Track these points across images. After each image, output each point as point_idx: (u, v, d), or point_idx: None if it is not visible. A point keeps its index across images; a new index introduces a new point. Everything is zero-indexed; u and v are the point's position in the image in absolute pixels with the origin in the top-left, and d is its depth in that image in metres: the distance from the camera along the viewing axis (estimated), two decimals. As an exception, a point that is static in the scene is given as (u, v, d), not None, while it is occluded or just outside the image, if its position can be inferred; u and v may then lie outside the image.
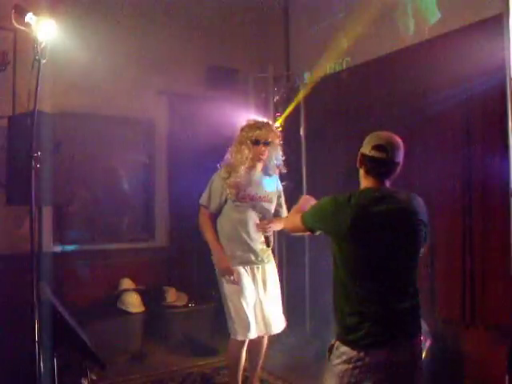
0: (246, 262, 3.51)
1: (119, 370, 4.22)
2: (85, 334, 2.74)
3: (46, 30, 2.89)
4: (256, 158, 3.53)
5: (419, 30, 4.33)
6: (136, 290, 4.94)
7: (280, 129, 5.33)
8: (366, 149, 2.25)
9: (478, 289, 3.75)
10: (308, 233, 2.46)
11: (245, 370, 3.64)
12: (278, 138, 3.61)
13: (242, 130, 3.59)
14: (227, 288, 3.47)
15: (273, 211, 3.66)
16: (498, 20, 3.24)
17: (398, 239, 2.19)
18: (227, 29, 5.70)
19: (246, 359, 3.60)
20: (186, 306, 5.06)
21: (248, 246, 3.51)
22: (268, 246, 3.61)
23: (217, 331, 4.69)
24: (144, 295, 4.95)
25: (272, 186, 3.65)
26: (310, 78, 5.30)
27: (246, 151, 3.49)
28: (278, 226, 3.61)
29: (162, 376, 4.22)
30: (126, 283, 4.99)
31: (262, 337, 3.61)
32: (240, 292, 3.44)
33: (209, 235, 3.54)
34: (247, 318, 3.42)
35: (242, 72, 5.69)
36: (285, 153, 3.72)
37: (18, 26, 2.90)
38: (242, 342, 3.47)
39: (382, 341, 2.14)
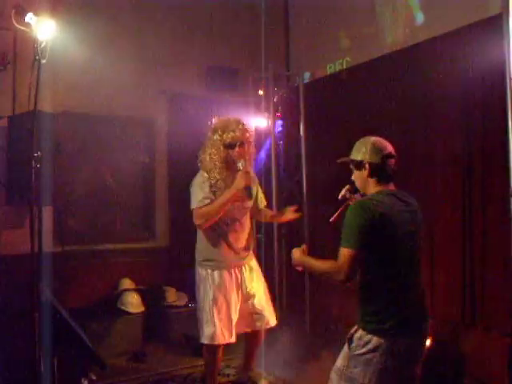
0: (232, 266, 3.46)
1: (119, 370, 4.22)
2: (85, 334, 2.74)
3: (46, 30, 2.90)
4: (231, 161, 3.39)
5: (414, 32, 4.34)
6: (136, 290, 4.94)
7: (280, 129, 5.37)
8: (375, 158, 2.32)
9: (478, 289, 3.75)
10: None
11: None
12: (251, 136, 3.48)
13: (215, 132, 3.42)
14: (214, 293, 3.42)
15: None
16: (498, 20, 3.24)
17: (414, 236, 2.34)
18: (227, 29, 5.70)
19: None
20: (186, 305, 5.04)
21: (233, 248, 3.45)
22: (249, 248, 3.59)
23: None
24: (144, 295, 4.94)
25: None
26: (309, 78, 5.31)
27: (222, 154, 3.39)
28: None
29: (161, 376, 4.22)
30: (126, 283, 4.99)
31: (258, 331, 3.61)
32: (223, 298, 3.42)
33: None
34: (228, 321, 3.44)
35: (242, 72, 5.69)
36: (285, 153, 3.70)
37: (18, 26, 2.91)
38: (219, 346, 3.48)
39: (408, 328, 2.26)
